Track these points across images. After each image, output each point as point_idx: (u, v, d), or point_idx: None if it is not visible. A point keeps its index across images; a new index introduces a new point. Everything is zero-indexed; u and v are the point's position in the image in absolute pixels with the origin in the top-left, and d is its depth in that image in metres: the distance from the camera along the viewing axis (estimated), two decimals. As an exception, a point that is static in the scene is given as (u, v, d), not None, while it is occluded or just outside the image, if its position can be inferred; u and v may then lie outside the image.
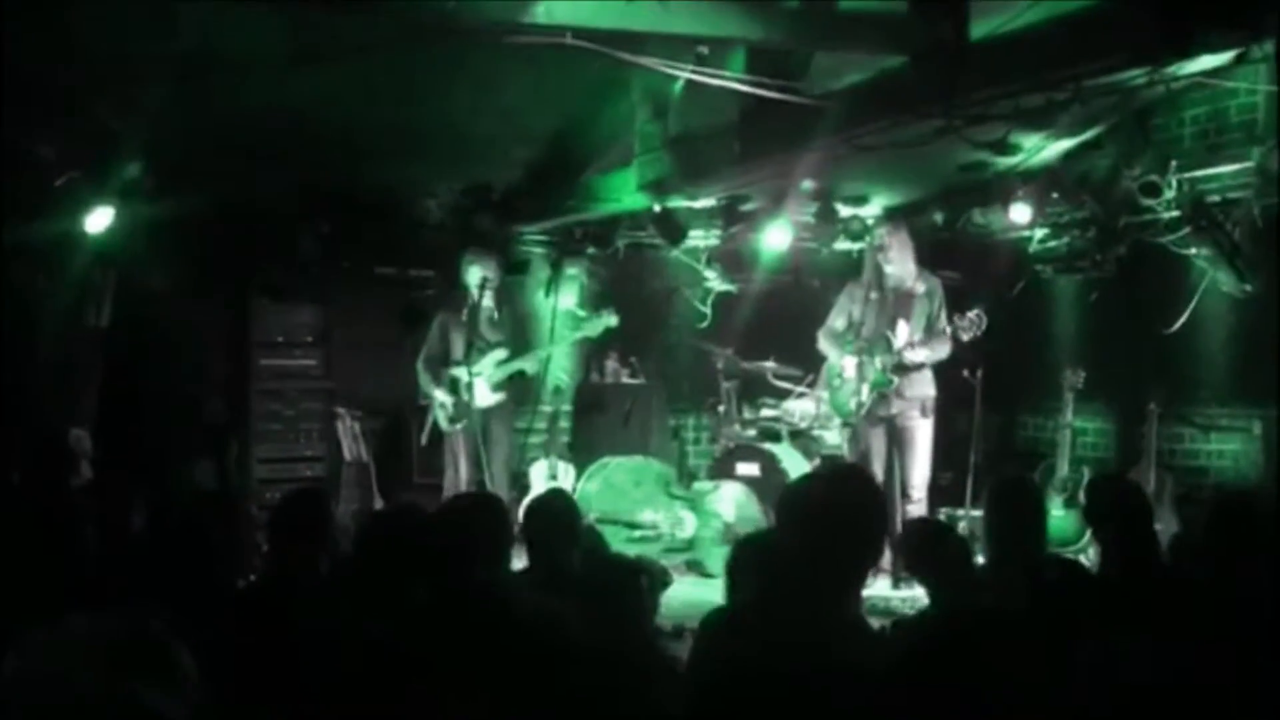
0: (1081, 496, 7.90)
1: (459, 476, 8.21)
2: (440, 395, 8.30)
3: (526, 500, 8.35)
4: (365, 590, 3.86)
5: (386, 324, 9.16)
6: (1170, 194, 7.66)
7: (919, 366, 7.73)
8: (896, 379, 7.68)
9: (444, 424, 8.30)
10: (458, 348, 8.28)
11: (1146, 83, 5.34)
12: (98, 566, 3.70)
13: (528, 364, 8.46)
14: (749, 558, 3.79)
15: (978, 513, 6.10)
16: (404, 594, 3.52)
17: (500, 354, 8.28)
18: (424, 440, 8.55)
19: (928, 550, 4.42)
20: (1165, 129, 8.22)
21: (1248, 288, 7.60)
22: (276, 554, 4.41)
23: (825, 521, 2.99)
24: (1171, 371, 8.14)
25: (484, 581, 3.44)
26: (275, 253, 8.84)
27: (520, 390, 8.91)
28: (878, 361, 7.70)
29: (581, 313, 9.11)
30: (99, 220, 7.30)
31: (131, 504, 5.23)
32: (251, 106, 6.98)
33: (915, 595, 7.00)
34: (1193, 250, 7.83)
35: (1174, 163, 7.71)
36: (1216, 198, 7.67)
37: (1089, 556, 7.56)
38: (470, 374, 8.01)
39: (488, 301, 8.28)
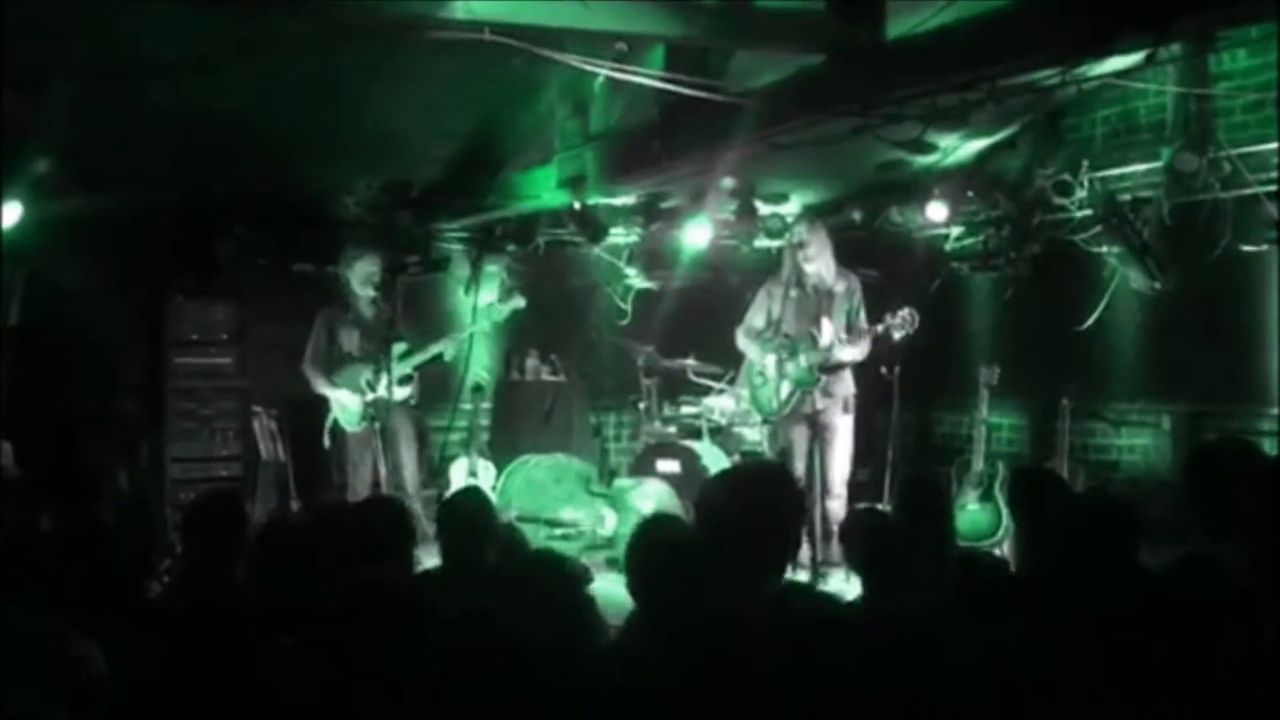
0: (997, 491, 8.06)
1: (360, 477, 8.14)
2: (339, 395, 8.21)
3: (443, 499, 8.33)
4: (273, 595, 3.82)
5: (304, 321, 9.04)
6: (1082, 193, 7.81)
7: (844, 365, 7.78)
8: (823, 377, 7.72)
9: (347, 423, 8.21)
10: (349, 345, 8.21)
11: (1059, 83, 5.41)
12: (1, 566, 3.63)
13: (446, 347, 8.41)
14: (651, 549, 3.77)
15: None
16: (312, 596, 3.48)
17: (400, 347, 8.22)
18: (326, 441, 8.44)
19: (860, 539, 4.45)
20: (1077, 129, 8.37)
21: (1157, 285, 7.76)
22: (189, 556, 4.35)
23: (740, 514, 3.02)
24: (1084, 368, 8.29)
25: (394, 581, 3.40)
26: (190, 251, 8.71)
27: (439, 388, 8.85)
28: (802, 359, 7.74)
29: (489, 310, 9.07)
30: (8, 215, 7.16)
31: (38, 505, 5.13)
32: (169, 104, 6.88)
33: (834, 590, 7.06)
34: (1104, 248, 7.98)
35: (1086, 162, 7.85)
36: (1127, 196, 7.82)
37: (1003, 549, 7.68)
38: (387, 370, 7.94)
39: (374, 299, 8.20)
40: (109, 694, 2.48)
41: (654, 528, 3.40)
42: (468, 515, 4.58)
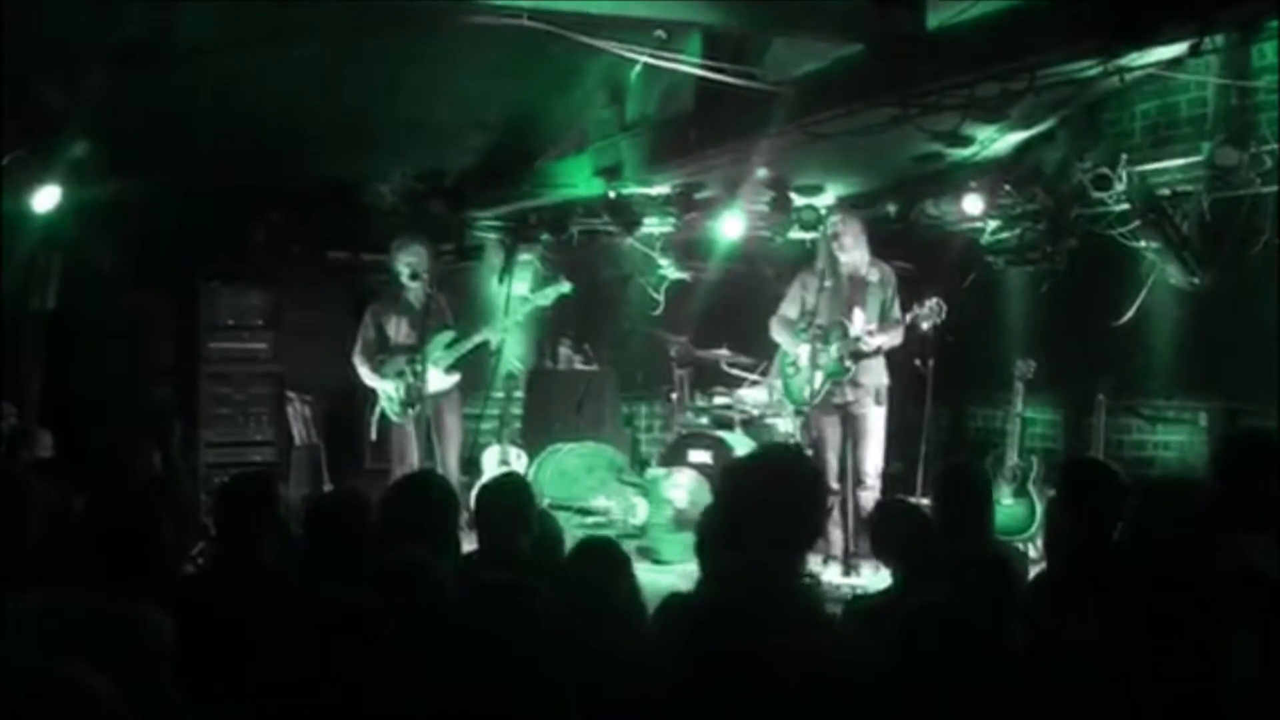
0: (1031, 485, 8.01)
1: (407, 467, 8.14)
2: (384, 385, 8.23)
3: (478, 484, 8.34)
4: (311, 574, 3.83)
5: (338, 308, 9.08)
6: (1121, 187, 7.73)
7: (875, 353, 7.75)
8: (853, 366, 7.70)
9: (392, 414, 8.22)
10: (396, 336, 8.22)
11: (1100, 74, 5.38)
12: (37, 549, 3.65)
13: (490, 334, 8.41)
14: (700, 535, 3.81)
15: (927, 501, 6.14)
16: (350, 577, 3.50)
17: (447, 335, 8.21)
18: (373, 434, 8.45)
19: (890, 531, 4.43)
20: (1116, 122, 8.29)
21: (1196, 280, 7.68)
22: (223, 538, 4.36)
23: (758, 499, 3.01)
24: (1120, 363, 8.22)
25: (427, 561, 3.41)
26: (225, 237, 8.75)
27: (472, 376, 8.86)
28: (833, 349, 7.72)
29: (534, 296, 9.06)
30: (45, 200, 7.20)
31: (72, 487, 5.16)
32: (204, 91, 6.92)
33: (864, 583, 7.04)
34: (1142, 243, 7.90)
35: (1124, 156, 7.78)
36: (1166, 191, 7.74)
37: (1036, 545, 7.64)
38: (422, 359, 7.95)
39: (420, 288, 8.19)
40: (165, 668, 2.51)
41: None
42: (507, 499, 4.57)
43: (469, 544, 4.74)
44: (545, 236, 9.79)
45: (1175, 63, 6.11)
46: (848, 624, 3.95)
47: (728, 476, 3.30)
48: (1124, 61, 5.57)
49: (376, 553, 3.70)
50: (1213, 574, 3.28)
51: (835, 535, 7.61)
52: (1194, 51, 4.98)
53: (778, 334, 8.15)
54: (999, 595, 3.58)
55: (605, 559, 3.82)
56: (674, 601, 3.26)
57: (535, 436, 9.49)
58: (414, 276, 8.15)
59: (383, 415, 8.28)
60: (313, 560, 3.97)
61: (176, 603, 3.22)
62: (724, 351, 9.54)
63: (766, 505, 3.06)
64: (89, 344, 8.45)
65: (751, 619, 2.81)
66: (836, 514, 7.50)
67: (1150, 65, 6.45)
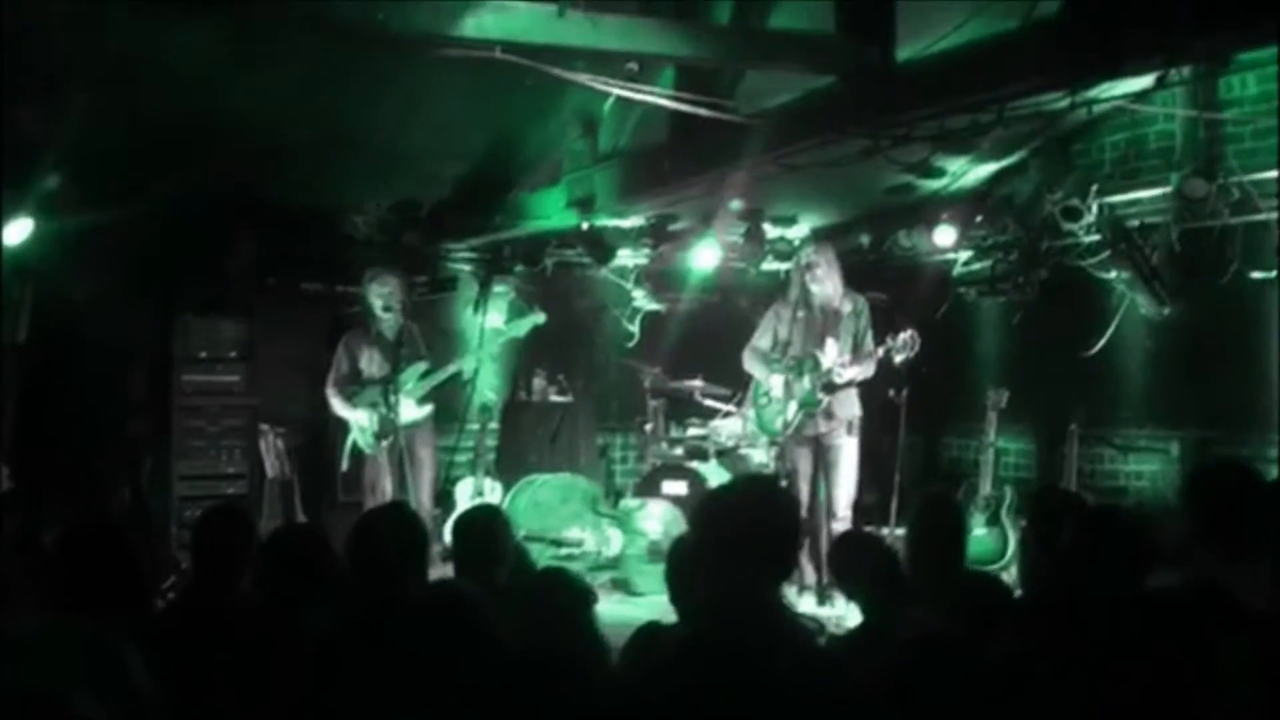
0: (1004, 515, 8.04)
1: (380, 498, 8.11)
2: (357, 416, 8.21)
3: (453, 517, 8.31)
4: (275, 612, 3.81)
5: (313, 340, 9.05)
6: (1091, 218, 7.80)
7: (848, 384, 7.77)
8: (825, 398, 7.72)
9: (365, 445, 8.20)
10: (370, 367, 8.21)
11: (1068, 106, 5.43)
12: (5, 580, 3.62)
13: (464, 366, 8.41)
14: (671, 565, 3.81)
15: (901, 531, 6.15)
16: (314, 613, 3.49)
17: (421, 367, 8.21)
18: (344, 464, 8.43)
19: (854, 562, 4.44)
20: (1086, 154, 8.38)
21: (1166, 311, 7.75)
22: (197, 572, 4.33)
23: (729, 530, 3.02)
24: (1092, 393, 8.27)
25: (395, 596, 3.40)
26: (200, 268, 8.72)
27: (447, 408, 8.85)
28: (806, 380, 7.74)
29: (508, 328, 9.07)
30: (17, 232, 7.17)
31: (42, 519, 5.12)
32: (178, 119, 6.90)
33: (839, 613, 7.04)
34: (1112, 273, 7.97)
35: (1094, 187, 7.85)
36: (1136, 222, 7.81)
37: (1010, 574, 7.64)
38: (395, 389, 7.94)
39: (393, 319, 8.20)
40: (151, 699, 2.49)
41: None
42: (484, 532, 4.55)
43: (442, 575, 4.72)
44: (519, 268, 9.82)
45: (1142, 95, 6.17)
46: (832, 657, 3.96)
47: (706, 506, 3.30)
48: (1091, 94, 5.63)
49: (341, 586, 3.68)
50: (1181, 600, 3.30)
51: (808, 566, 7.61)
52: (1160, 84, 5.04)
53: (750, 364, 8.16)
54: (981, 623, 3.59)
55: (563, 589, 3.80)
56: (649, 631, 3.25)
57: (510, 468, 9.47)
58: (387, 308, 8.16)
59: (355, 446, 8.25)
60: (271, 594, 3.93)
61: (150, 635, 3.20)
62: (698, 383, 9.55)
63: (747, 535, 3.06)
64: (61, 376, 8.39)
65: (738, 649, 2.81)
66: (809, 545, 7.51)
67: (1117, 98, 6.51)
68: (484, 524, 4.65)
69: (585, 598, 3.67)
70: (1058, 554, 3.92)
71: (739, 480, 5.74)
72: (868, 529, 8.25)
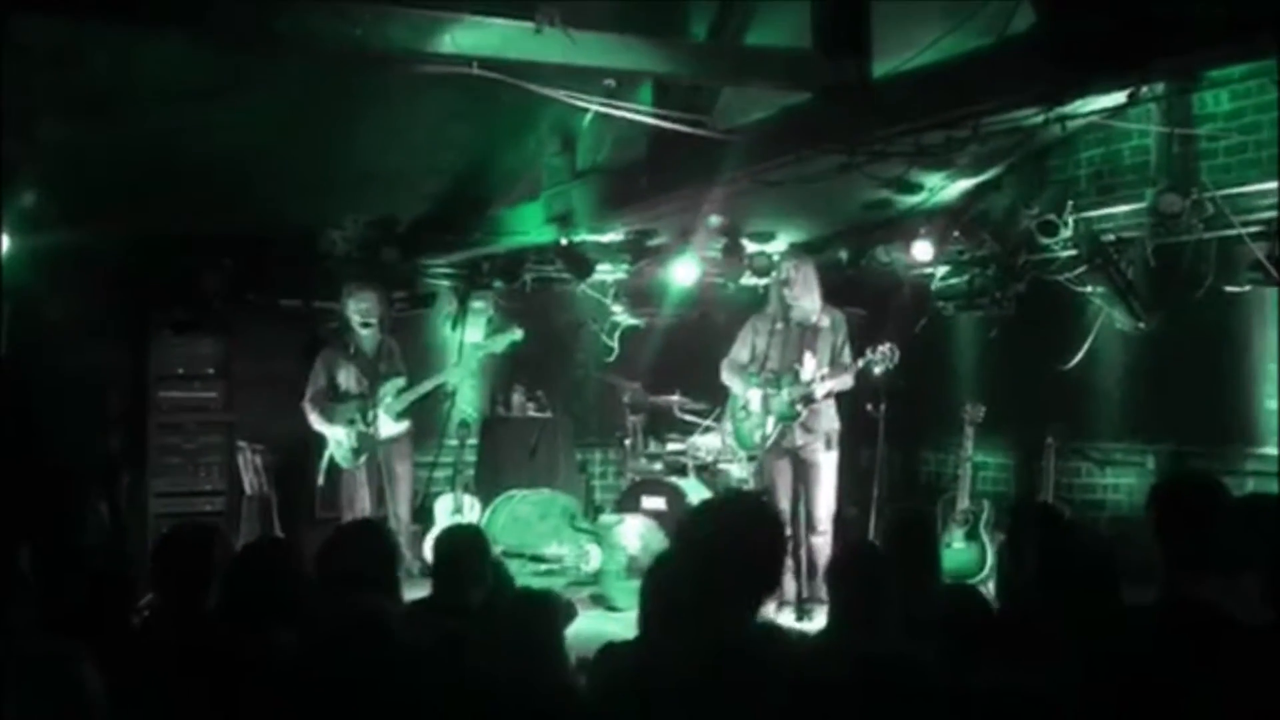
0: (982, 529, 8.06)
1: (358, 514, 8.09)
2: (335, 432, 8.19)
3: (432, 533, 8.30)
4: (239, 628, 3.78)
5: (290, 357, 9.03)
6: (1067, 233, 7.83)
7: (825, 397, 7.79)
8: (804, 411, 7.73)
9: (342, 460, 8.18)
10: (347, 382, 8.20)
11: (1043, 122, 5.47)
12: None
13: (441, 381, 8.41)
14: (653, 581, 3.79)
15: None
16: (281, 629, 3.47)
17: (398, 382, 8.21)
18: (321, 480, 8.42)
19: (860, 574, 4.42)
20: (1062, 170, 8.42)
21: (1141, 325, 7.80)
22: (161, 590, 4.30)
23: (716, 547, 3.01)
24: (1069, 407, 8.31)
25: (370, 612, 3.39)
26: (177, 285, 8.70)
27: (426, 424, 8.84)
28: (784, 394, 7.75)
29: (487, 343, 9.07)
30: (-6, 250, 7.14)
31: (17, 540, 5.09)
32: (157, 139, 6.88)
33: (818, 628, 7.04)
34: (1089, 288, 8.01)
35: (1070, 203, 7.89)
36: (1111, 237, 7.86)
37: (988, 588, 7.66)
38: (373, 406, 7.93)
39: (372, 335, 8.20)
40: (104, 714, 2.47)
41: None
42: (463, 550, 4.55)
43: (418, 592, 4.72)
44: (498, 284, 9.82)
45: (1116, 112, 6.22)
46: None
47: (690, 522, 3.29)
48: (1066, 110, 5.67)
49: (312, 601, 3.67)
50: (1159, 612, 3.31)
51: (788, 580, 7.61)
52: (1132, 100, 5.08)
53: (728, 377, 8.16)
54: (957, 638, 3.60)
55: (537, 612, 3.79)
56: (614, 650, 3.24)
57: (489, 484, 9.45)
58: (365, 323, 8.16)
59: (332, 462, 8.24)
60: (236, 614, 3.91)
61: (122, 653, 3.19)
62: (677, 397, 9.56)
63: (731, 551, 3.06)
64: (38, 393, 8.34)
65: (706, 668, 2.81)
66: (789, 559, 7.50)
67: (1092, 114, 6.57)
68: (463, 544, 4.66)
69: (557, 621, 3.65)
70: (1026, 573, 3.94)
71: (723, 496, 5.75)
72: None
